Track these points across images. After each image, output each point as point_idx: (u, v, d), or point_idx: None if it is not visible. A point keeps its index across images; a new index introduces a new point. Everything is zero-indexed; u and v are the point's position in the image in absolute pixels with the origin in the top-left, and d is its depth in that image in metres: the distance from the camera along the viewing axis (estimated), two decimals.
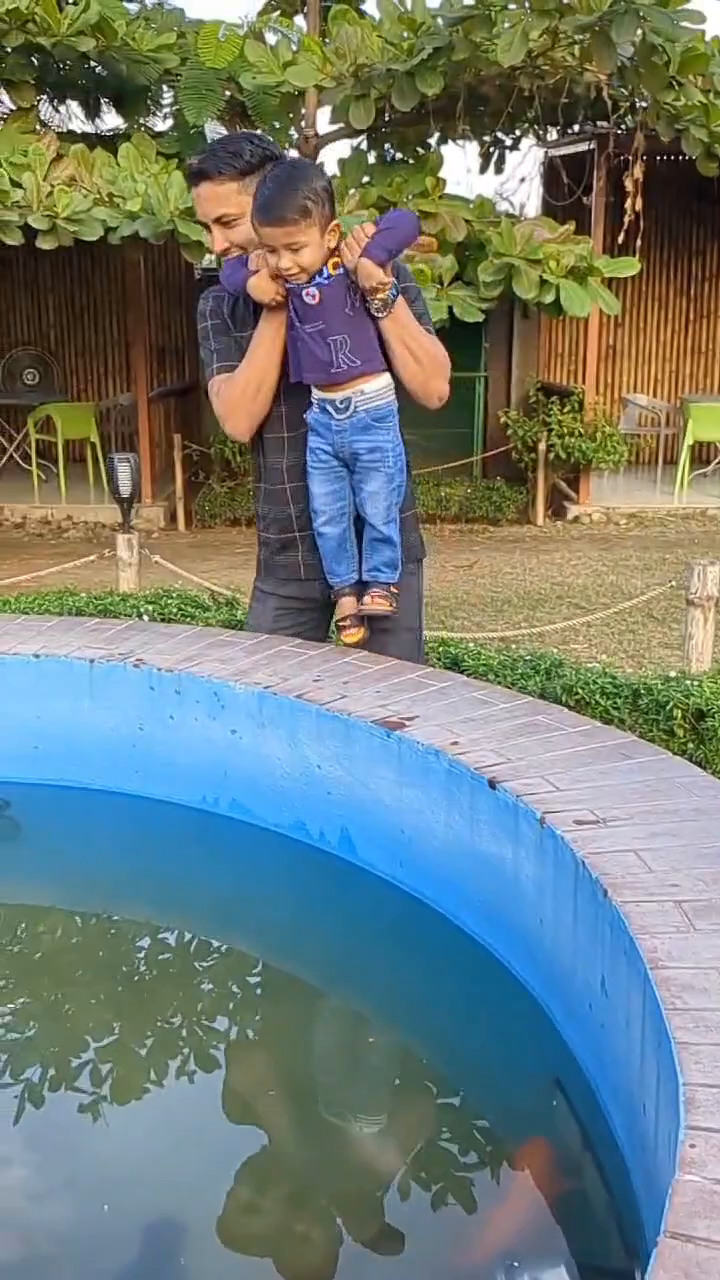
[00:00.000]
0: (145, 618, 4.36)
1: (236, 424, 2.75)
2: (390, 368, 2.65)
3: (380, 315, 2.56)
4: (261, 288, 2.55)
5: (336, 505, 2.73)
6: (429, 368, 2.66)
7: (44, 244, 7.09)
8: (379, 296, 2.53)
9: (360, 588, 2.80)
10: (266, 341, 2.62)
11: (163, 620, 4.35)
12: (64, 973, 2.46)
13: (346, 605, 2.81)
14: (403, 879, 2.47)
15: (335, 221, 2.50)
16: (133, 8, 9.01)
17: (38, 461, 10.92)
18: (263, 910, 2.68)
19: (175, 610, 4.55)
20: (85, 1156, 1.91)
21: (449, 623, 7.10)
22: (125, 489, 5.17)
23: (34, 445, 10.97)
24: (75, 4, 7.73)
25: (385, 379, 2.65)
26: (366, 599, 2.76)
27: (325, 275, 2.53)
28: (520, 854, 2.08)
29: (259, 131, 2.62)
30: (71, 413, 11.16)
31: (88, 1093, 2.04)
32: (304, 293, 2.53)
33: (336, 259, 2.52)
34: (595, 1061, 1.86)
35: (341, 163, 8.90)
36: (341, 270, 2.53)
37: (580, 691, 3.26)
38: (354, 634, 2.80)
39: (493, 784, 2.13)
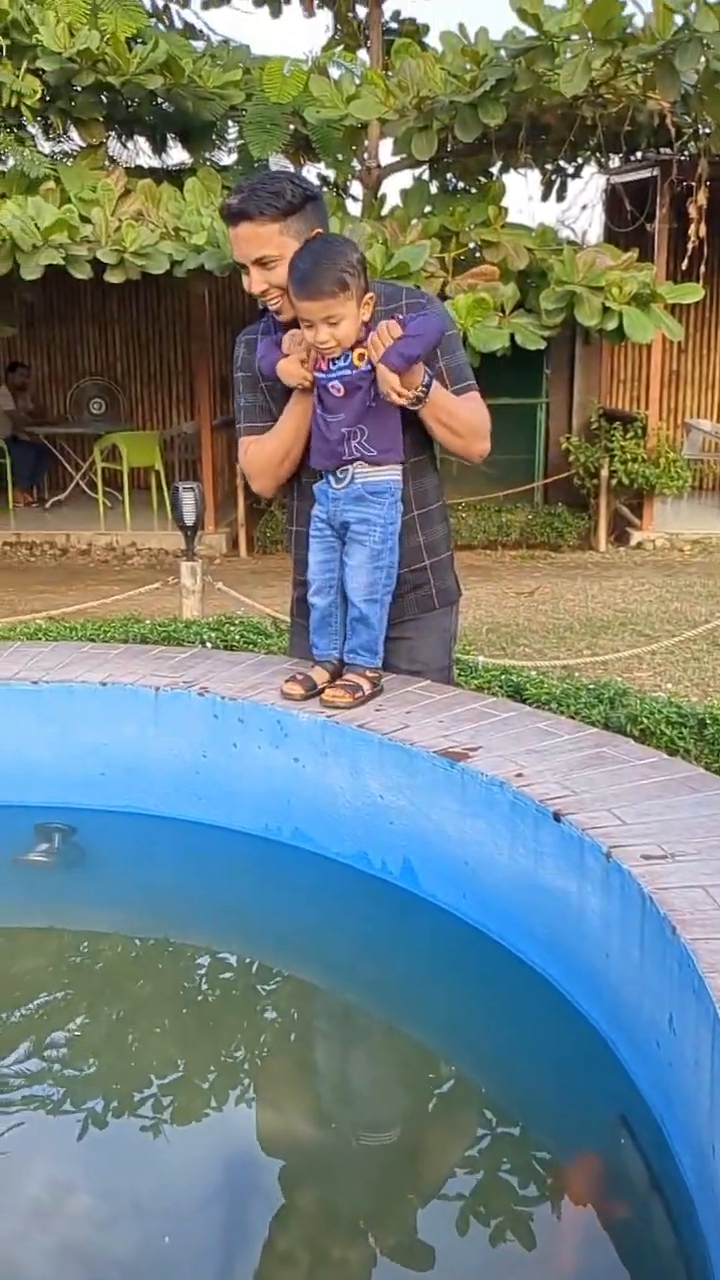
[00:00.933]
0: (208, 644, 4.41)
1: (264, 485, 2.84)
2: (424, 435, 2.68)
3: (415, 409, 2.58)
4: (291, 372, 2.59)
5: (325, 576, 2.72)
6: (468, 436, 2.67)
7: (112, 277, 7.23)
8: (403, 400, 2.52)
9: (341, 665, 2.77)
10: (295, 418, 2.67)
11: (225, 647, 4.40)
12: (126, 998, 2.47)
13: (319, 676, 2.76)
14: (465, 911, 2.46)
15: (369, 295, 2.50)
16: (199, 45, 9.19)
17: (104, 489, 11.10)
18: (325, 939, 2.67)
19: (238, 637, 4.60)
20: (147, 1183, 1.92)
21: (510, 649, 7.07)
22: (190, 518, 5.23)
23: (100, 473, 11.15)
24: (144, 44, 7.89)
25: (395, 470, 2.65)
26: (328, 691, 2.70)
27: (350, 364, 2.54)
28: (586, 888, 2.06)
29: (298, 172, 2.60)
30: (136, 441, 11.33)
31: (149, 1118, 2.05)
32: (329, 385, 2.56)
33: (363, 350, 2.53)
34: (663, 1100, 1.83)
35: (403, 193, 8.97)
36: (368, 365, 2.53)
37: (645, 721, 3.23)
38: (340, 697, 2.68)
39: (557, 817, 2.12)
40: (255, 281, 2.60)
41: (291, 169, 10.33)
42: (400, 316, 2.53)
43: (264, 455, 2.76)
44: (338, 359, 2.54)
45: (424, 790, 2.48)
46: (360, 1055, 2.35)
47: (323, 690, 2.75)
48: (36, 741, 2.97)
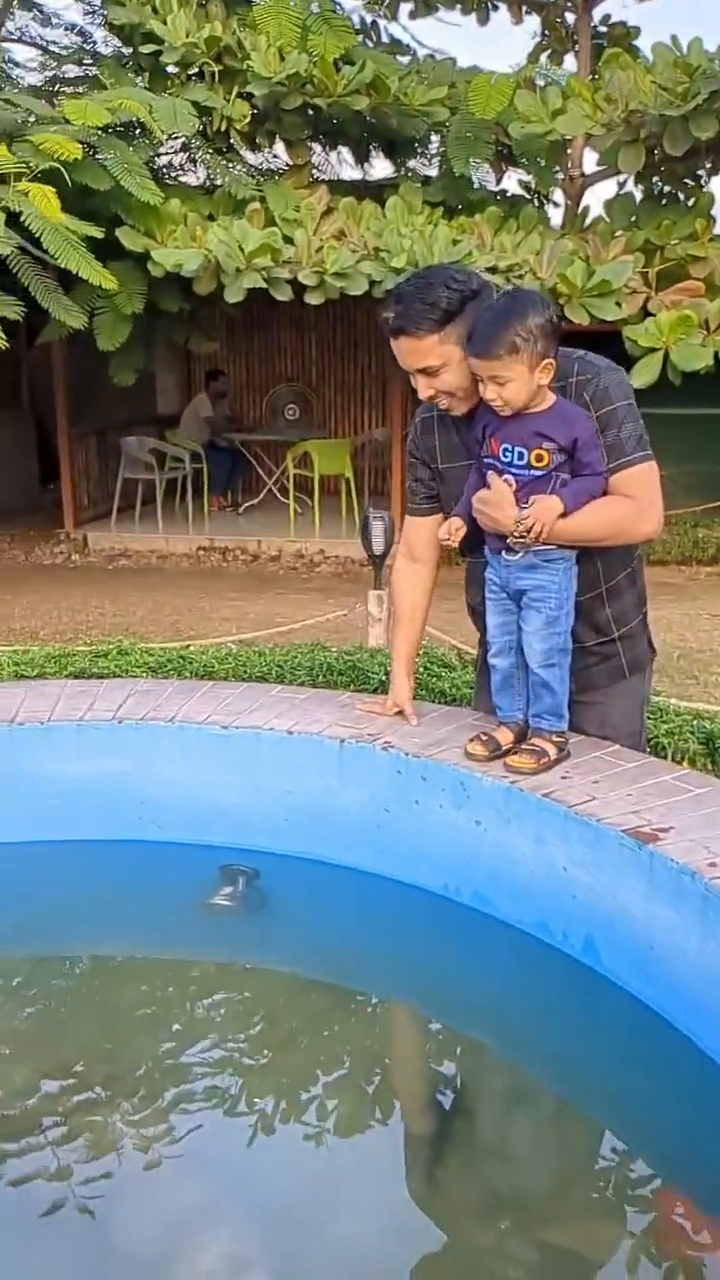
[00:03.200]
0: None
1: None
2: None
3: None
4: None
5: (505, 638, 2.68)
6: (618, 537, 2.58)
7: (311, 299, 7.34)
8: (523, 541, 2.52)
9: (526, 726, 2.73)
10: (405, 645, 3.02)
11: None
12: (298, 1043, 2.51)
13: (503, 736, 2.74)
14: (648, 996, 2.38)
15: (547, 361, 2.44)
16: (405, 60, 9.22)
17: (294, 495, 11.30)
18: (501, 1006, 2.64)
19: (422, 669, 4.57)
20: (322, 1235, 1.94)
21: (702, 677, 6.82)
22: (379, 547, 5.25)
23: (291, 480, 11.35)
24: (351, 64, 7.97)
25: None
26: (513, 756, 2.68)
27: (527, 464, 2.49)
28: None
29: (457, 268, 2.52)
30: (328, 449, 11.48)
31: (313, 1171, 2.08)
32: (503, 476, 2.53)
33: (543, 452, 2.48)
34: None
35: (607, 204, 8.78)
36: (549, 471, 2.49)
37: None
38: (524, 763, 2.66)
39: None
40: (422, 388, 2.59)
41: (493, 177, 10.28)
42: (561, 493, 2.48)
43: (393, 599, 3.00)
44: (515, 455, 2.50)
45: (609, 868, 2.42)
46: (528, 1127, 2.31)
47: (507, 752, 2.72)
48: (224, 785, 3.04)
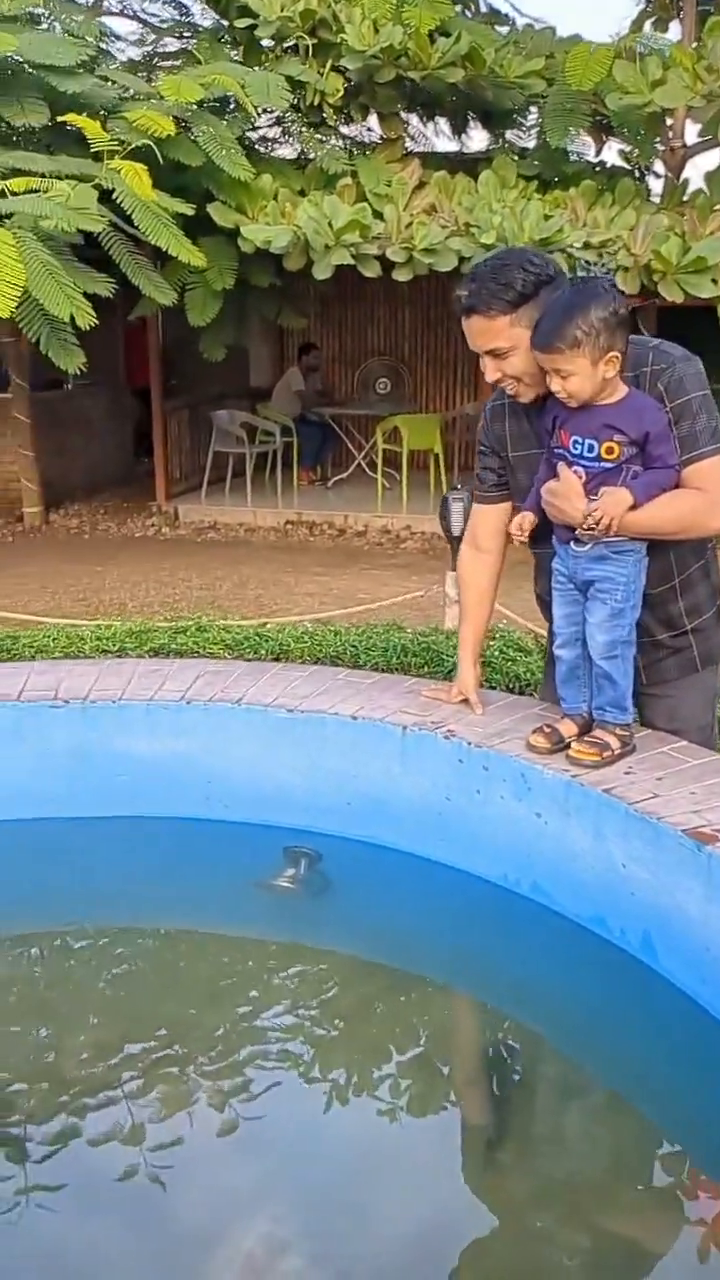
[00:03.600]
0: None
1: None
2: None
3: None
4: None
5: (570, 629, 2.65)
6: (689, 530, 2.53)
7: (399, 275, 7.29)
8: (591, 535, 2.49)
9: (590, 718, 2.71)
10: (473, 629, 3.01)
11: (485, 664, 4.37)
12: (354, 1025, 2.55)
13: (566, 729, 2.73)
14: (705, 998, 2.36)
15: (612, 354, 2.38)
16: (503, 31, 9.06)
17: (383, 470, 11.28)
18: (556, 999, 2.64)
19: (497, 653, 4.55)
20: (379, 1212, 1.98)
21: None
22: (457, 529, 5.22)
23: (380, 454, 11.33)
24: (446, 35, 7.86)
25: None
26: (576, 747, 2.66)
27: (597, 456, 2.46)
28: None
29: (535, 252, 2.45)
30: (418, 424, 11.42)
31: (362, 1153, 2.11)
32: (571, 469, 2.49)
33: (613, 445, 2.44)
34: None
35: (708, 176, 8.54)
36: (619, 464, 2.45)
37: None
38: (587, 754, 2.65)
39: None
40: (490, 370, 2.56)
41: (593, 148, 10.07)
42: (630, 483, 2.44)
43: (461, 585, 2.97)
44: (584, 447, 2.47)
45: (668, 868, 2.39)
46: (578, 1121, 2.32)
47: (569, 744, 2.70)
48: (289, 767, 3.07)
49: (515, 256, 2.53)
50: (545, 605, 2.80)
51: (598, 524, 2.45)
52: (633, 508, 2.45)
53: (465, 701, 3.01)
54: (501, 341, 2.50)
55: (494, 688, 3.45)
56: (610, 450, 2.45)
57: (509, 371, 2.54)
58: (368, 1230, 1.98)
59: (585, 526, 2.48)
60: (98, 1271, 1.90)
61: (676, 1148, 2.22)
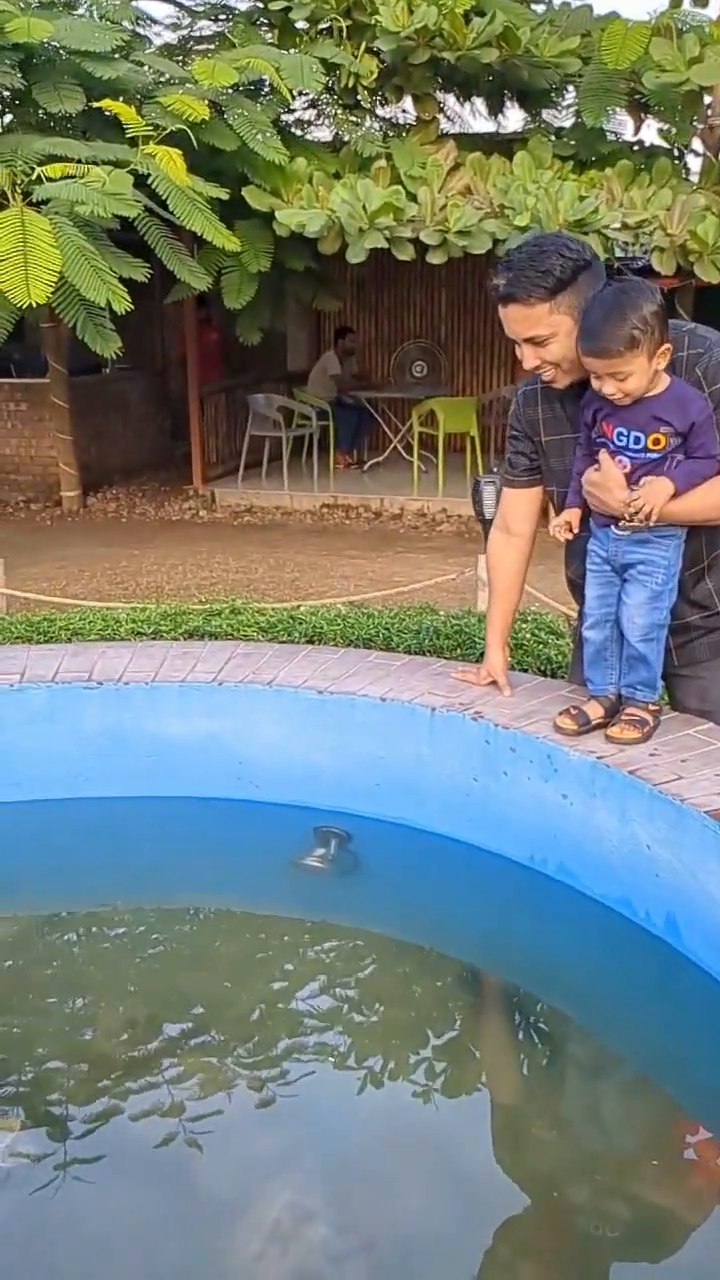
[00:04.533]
0: None
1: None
2: None
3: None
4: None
5: (602, 610, 2.65)
6: None
7: (434, 258, 7.28)
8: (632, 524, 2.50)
9: (618, 701, 2.72)
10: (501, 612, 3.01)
11: (516, 646, 4.38)
12: (383, 1003, 2.59)
13: (593, 710, 2.74)
14: None
15: (665, 346, 2.38)
16: (540, 9, 8.98)
17: (419, 453, 11.27)
18: (581, 978, 2.67)
19: (529, 635, 4.56)
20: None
21: None
22: (489, 511, 5.23)
23: (417, 438, 11.31)
24: (481, 15, 7.81)
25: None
26: (615, 728, 2.68)
27: (644, 447, 2.45)
28: None
29: (570, 236, 2.43)
30: (454, 407, 11.39)
31: (389, 1129, 2.15)
32: (616, 459, 2.49)
33: (660, 436, 2.43)
34: None
35: None
36: (665, 455, 2.45)
37: None
38: (628, 733, 2.67)
39: None
40: (528, 358, 2.55)
41: (631, 126, 9.97)
42: (672, 473, 2.44)
43: (490, 569, 2.96)
44: (630, 439, 2.46)
45: (692, 849, 2.41)
46: (603, 1100, 2.34)
47: (596, 726, 2.72)
48: (319, 748, 3.11)
49: (551, 242, 2.51)
50: (577, 589, 2.81)
51: (639, 513, 2.46)
52: (673, 497, 2.45)
53: (494, 684, 3.04)
54: (541, 329, 2.49)
55: (525, 670, 3.47)
56: (657, 441, 2.45)
57: (548, 358, 2.53)
58: (393, 1203, 2.02)
59: (627, 516, 2.49)
60: (132, 1235, 1.95)
61: (701, 1125, 2.25)
